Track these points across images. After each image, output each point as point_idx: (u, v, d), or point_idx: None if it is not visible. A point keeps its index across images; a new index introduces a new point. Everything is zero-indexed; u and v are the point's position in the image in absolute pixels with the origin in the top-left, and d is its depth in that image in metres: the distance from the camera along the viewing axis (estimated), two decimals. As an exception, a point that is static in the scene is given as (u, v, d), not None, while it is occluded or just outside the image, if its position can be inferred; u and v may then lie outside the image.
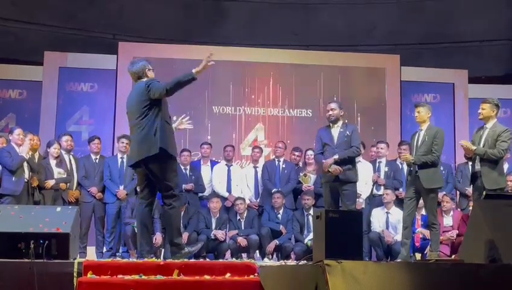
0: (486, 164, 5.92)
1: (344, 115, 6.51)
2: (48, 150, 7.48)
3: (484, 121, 6.13)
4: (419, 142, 6.22)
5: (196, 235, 7.33)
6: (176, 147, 5.37)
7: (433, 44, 11.49)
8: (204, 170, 8.07)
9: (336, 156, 6.17)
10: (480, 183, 5.94)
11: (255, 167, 8.19)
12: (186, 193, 7.59)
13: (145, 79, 5.27)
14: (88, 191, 7.56)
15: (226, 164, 8.14)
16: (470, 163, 6.36)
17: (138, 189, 5.72)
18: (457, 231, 7.19)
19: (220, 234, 7.36)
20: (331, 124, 6.40)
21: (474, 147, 5.96)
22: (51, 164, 7.38)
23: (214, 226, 7.49)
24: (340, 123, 6.37)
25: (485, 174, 5.92)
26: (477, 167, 6.01)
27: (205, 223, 7.49)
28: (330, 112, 6.36)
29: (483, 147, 5.98)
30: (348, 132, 6.27)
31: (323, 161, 6.25)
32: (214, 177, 8.02)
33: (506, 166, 7.73)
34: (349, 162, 6.24)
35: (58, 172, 7.37)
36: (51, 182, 7.25)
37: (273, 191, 7.71)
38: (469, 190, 7.58)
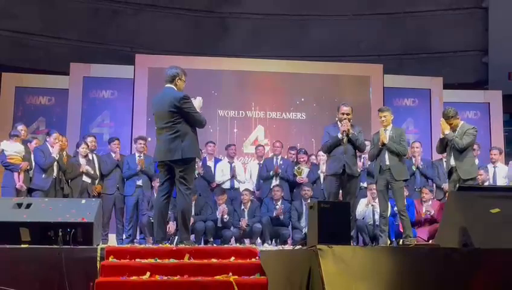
0: (458, 158, 5.96)
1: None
2: (77, 150, 7.50)
3: (453, 128, 6.08)
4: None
5: (203, 223, 7.31)
6: (198, 148, 5.56)
7: (413, 54, 11.52)
8: (210, 165, 8.06)
9: (350, 129, 6.04)
10: (456, 176, 5.97)
11: (259, 163, 8.21)
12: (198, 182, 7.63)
13: (173, 86, 5.33)
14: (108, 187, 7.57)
15: (228, 161, 8.15)
16: (445, 159, 6.34)
17: (158, 183, 5.72)
18: (433, 211, 7.18)
19: (225, 213, 7.32)
20: (339, 123, 6.22)
21: (447, 131, 5.98)
22: (80, 161, 7.40)
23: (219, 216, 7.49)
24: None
25: (459, 167, 5.95)
26: (452, 163, 6.04)
27: (211, 213, 7.48)
28: (345, 116, 6.15)
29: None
30: (353, 132, 6.12)
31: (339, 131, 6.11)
32: (217, 171, 8.04)
33: (476, 161, 7.75)
34: (355, 158, 6.14)
35: (86, 169, 7.38)
36: (84, 167, 7.28)
37: (271, 173, 7.78)
38: (444, 185, 7.59)
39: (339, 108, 6.27)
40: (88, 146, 7.52)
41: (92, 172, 7.42)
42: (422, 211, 7.32)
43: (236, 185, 8.00)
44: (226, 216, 7.34)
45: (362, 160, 7.67)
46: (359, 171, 6.25)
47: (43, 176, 6.98)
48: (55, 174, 7.07)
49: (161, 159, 5.26)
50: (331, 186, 6.19)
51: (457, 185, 5.29)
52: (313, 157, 8.30)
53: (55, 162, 7.04)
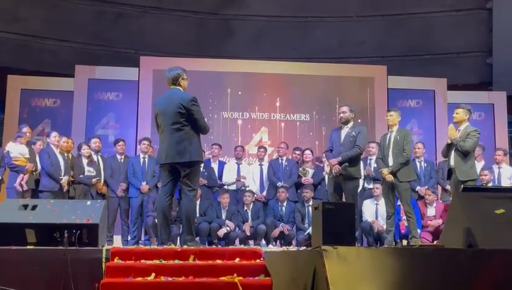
0: (458, 159, 5.95)
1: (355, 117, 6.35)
2: (80, 152, 7.53)
3: (458, 124, 6.15)
4: (391, 142, 6.24)
5: (207, 224, 7.32)
6: (201, 151, 5.51)
7: (416, 56, 11.49)
8: (213, 167, 8.08)
9: (339, 159, 6.06)
10: (455, 177, 5.97)
11: (261, 165, 8.20)
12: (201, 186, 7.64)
13: (180, 88, 5.35)
14: (113, 190, 7.58)
15: (235, 162, 8.15)
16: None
17: (160, 184, 5.66)
18: (441, 220, 7.14)
19: (232, 225, 7.37)
20: (342, 125, 6.28)
21: (454, 136, 6.00)
22: (83, 162, 7.42)
23: (224, 216, 7.49)
24: (350, 125, 6.22)
25: (457, 168, 5.96)
26: (452, 163, 6.03)
27: (216, 215, 7.48)
28: (341, 114, 6.26)
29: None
30: (354, 133, 6.11)
31: (330, 159, 6.20)
32: (224, 172, 8.04)
33: (482, 163, 7.72)
34: (352, 160, 6.08)
35: (88, 170, 7.39)
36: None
37: (278, 184, 7.72)
38: (448, 187, 7.56)
39: None
40: (90, 147, 7.54)
41: (94, 174, 7.42)
42: (427, 213, 7.29)
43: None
44: (232, 225, 7.37)
45: (369, 162, 7.66)
46: (360, 172, 6.22)
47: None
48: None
49: (169, 161, 5.21)
50: (329, 186, 6.34)
51: (462, 186, 5.27)
52: (318, 158, 8.29)
53: (62, 164, 7.05)
